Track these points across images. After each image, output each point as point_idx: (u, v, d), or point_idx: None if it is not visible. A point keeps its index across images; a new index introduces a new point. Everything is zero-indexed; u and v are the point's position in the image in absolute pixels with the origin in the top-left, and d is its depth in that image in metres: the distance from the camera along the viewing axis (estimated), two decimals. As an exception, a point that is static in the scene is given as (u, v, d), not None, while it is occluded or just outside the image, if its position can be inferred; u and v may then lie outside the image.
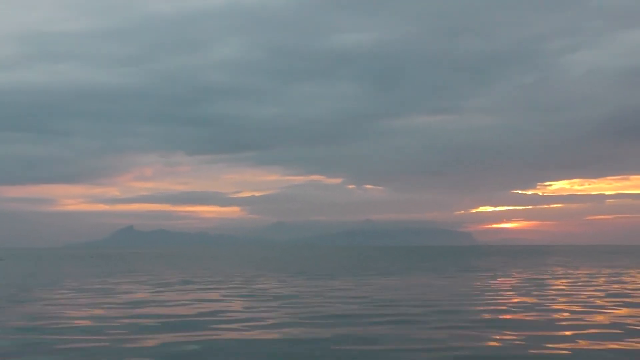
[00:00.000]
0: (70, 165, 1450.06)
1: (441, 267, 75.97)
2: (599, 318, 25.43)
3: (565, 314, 26.67)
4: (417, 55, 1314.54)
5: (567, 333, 21.46)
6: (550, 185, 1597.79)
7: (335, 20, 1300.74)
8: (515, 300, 32.99)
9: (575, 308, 28.92)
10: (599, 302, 31.86)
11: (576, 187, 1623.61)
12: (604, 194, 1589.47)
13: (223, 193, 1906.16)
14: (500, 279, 51.41)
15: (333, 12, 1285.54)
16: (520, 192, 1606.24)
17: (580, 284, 45.48)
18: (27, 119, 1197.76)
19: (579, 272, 63.45)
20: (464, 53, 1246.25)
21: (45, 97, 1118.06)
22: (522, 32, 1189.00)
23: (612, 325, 23.35)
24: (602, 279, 50.79)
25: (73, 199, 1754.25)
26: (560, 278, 52.79)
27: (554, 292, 37.49)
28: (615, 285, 43.53)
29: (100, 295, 37.51)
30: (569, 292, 37.38)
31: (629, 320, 24.64)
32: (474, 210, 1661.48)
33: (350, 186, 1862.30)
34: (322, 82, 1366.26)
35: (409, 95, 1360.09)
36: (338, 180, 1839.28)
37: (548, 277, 54.26)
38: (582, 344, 19.47)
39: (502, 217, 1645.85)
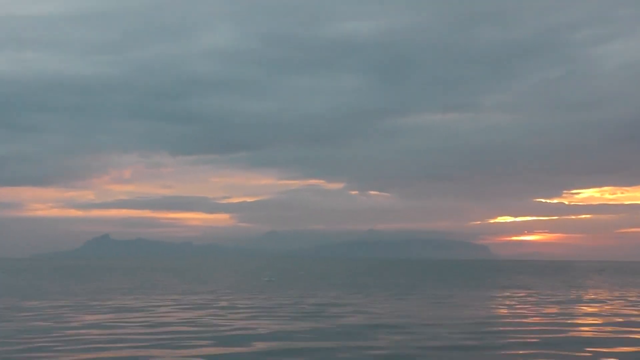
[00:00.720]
0: (39, 165, 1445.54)
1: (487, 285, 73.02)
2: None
3: None
4: (428, 45, 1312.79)
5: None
6: (577, 193, 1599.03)
7: (337, 6, 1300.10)
8: None
9: None
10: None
11: (607, 195, 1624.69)
12: (638, 204, 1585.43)
13: (210, 198, 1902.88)
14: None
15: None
16: (543, 200, 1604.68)
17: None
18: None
19: None
20: (481, 43, 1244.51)
21: (11, 89, 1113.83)
22: (547, 20, 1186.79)
23: None
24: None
25: (43, 204, 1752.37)
26: None
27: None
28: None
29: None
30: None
31: None
32: (491, 221, 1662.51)
33: (353, 192, 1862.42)
34: (322, 74, 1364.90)
35: (419, 90, 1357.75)
36: (339, 185, 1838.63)
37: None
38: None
39: (523, 228, 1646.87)
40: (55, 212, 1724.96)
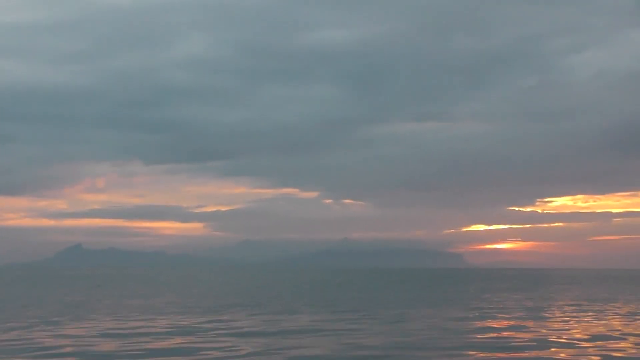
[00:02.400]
0: (10, 174, 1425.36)
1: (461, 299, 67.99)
2: None
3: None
4: (403, 54, 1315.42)
5: None
6: (551, 201, 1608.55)
7: (311, 15, 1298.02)
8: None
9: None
10: None
11: (580, 204, 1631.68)
12: (610, 212, 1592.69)
13: (184, 207, 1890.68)
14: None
15: (309, 5, 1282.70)
16: (517, 209, 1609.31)
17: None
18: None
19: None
20: (456, 53, 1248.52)
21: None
22: (522, 30, 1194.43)
23: None
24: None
25: (14, 213, 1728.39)
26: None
27: None
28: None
29: None
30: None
31: None
32: (465, 229, 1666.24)
33: (327, 201, 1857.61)
34: (297, 83, 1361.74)
35: (393, 99, 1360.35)
36: (314, 194, 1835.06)
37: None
38: None
39: (496, 236, 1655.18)
40: (27, 222, 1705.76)
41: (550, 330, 37.56)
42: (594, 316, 46.55)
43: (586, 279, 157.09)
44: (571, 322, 42.17)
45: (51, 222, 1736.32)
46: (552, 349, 29.77)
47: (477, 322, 42.19)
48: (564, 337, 34.20)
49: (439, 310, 53.57)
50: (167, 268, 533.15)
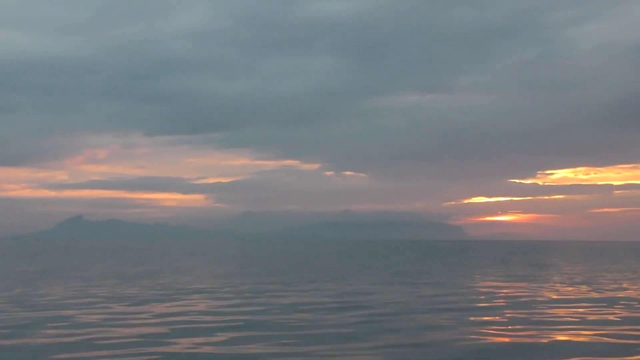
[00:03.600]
0: (11, 145, 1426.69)
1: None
2: None
3: None
4: (405, 26, 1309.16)
5: None
6: (551, 173, 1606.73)
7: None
8: None
9: None
10: None
11: (580, 176, 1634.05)
12: (611, 185, 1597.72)
13: (185, 179, 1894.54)
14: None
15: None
16: (517, 181, 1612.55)
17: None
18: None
19: None
20: (457, 24, 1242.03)
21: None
22: (523, 2, 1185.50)
23: None
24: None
25: (15, 184, 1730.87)
26: None
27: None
28: None
29: None
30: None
31: None
32: (465, 201, 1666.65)
33: (328, 173, 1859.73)
34: (298, 55, 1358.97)
35: (395, 71, 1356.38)
36: (315, 166, 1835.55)
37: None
38: None
39: (497, 209, 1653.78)
40: (28, 193, 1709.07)
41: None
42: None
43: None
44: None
45: (52, 193, 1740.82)
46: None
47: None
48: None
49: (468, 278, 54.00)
50: (170, 240, 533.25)
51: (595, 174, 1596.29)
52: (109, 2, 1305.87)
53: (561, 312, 31.15)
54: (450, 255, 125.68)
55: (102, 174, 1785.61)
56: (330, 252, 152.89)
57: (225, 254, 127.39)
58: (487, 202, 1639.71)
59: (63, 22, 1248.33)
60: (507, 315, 29.84)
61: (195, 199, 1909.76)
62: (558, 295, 39.64)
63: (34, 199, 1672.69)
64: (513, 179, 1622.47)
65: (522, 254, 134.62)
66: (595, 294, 40.95)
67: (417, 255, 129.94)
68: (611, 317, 29.31)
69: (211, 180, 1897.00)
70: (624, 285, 48.20)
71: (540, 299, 37.42)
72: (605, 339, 23.50)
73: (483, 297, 38.13)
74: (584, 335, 24.22)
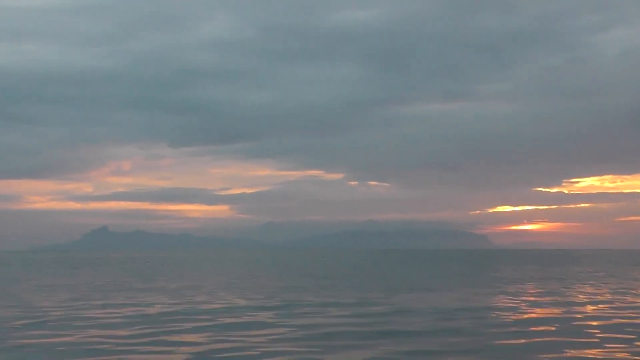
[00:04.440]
0: (36, 158, 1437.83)
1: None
2: None
3: None
4: (429, 33, 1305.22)
5: None
6: (577, 182, 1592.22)
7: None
8: None
9: None
10: None
11: (607, 184, 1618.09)
12: (638, 192, 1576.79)
13: (210, 190, 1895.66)
14: None
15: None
16: (543, 189, 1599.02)
17: None
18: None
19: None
20: (481, 31, 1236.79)
21: (8, 81, 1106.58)
22: (548, 7, 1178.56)
23: None
24: None
25: (40, 196, 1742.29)
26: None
27: None
28: None
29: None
30: None
31: None
32: (491, 210, 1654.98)
33: (352, 182, 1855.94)
34: (322, 64, 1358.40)
35: (419, 79, 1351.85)
36: (339, 176, 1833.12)
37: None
38: None
39: (522, 217, 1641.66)
40: (53, 205, 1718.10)
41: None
42: None
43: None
44: None
45: (77, 205, 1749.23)
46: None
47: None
48: None
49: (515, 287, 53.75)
50: (195, 250, 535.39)
51: (622, 182, 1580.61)
52: (132, 13, 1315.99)
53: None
54: (500, 263, 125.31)
55: (126, 185, 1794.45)
56: (376, 260, 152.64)
57: (270, 264, 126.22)
58: (513, 211, 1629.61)
59: (87, 34, 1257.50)
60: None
61: (219, 210, 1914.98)
62: None
63: (59, 210, 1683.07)
64: (538, 187, 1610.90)
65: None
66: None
67: (473, 263, 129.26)
68: None
69: (235, 191, 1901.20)
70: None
71: None
72: None
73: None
74: None
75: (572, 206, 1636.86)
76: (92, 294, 46.55)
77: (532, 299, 40.71)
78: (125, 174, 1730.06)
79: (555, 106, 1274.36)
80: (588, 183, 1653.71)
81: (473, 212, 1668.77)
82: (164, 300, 40.88)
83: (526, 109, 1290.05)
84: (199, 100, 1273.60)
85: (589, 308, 36.34)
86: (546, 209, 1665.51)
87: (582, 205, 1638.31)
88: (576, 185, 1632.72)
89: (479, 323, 29.27)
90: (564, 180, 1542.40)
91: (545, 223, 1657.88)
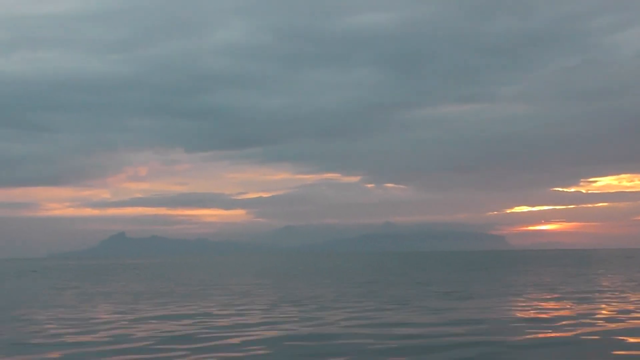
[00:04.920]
0: (54, 164, 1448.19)
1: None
2: None
3: None
4: (444, 36, 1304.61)
5: None
6: (595, 181, 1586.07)
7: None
8: None
9: None
10: None
11: (625, 183, 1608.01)
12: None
13: (226, 194, 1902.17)
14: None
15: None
16: (560, 189, 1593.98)
17: None
18: (5, 113, 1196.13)
19: None
20: (497, 34, 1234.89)
21: (25, 88, 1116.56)
22: (563, 9, 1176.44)
23: None
24: None
25: (58, 203, 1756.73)
26: None
27: None
28: None
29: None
30: None
31: None
32: (508, 211, 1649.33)
33: (369, 185, 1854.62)
34: (337, 68, 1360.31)
35: (435, 82, 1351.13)
36: (355, 179, 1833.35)
37: None
38: None
39: (539, 218, 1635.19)
40: (71, 212, 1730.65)
41: None
42: None
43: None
44: None
45: (95, 212, 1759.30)
46: None
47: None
48: None
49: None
50: (213, 255, 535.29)
51: (639, 180, 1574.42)
52: (148, 20, 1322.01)
53: None
54: (537, 265, 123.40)
55: (143, 191, 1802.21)
56: (404, 263, 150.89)
57: (295, 268, 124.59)
58: (530, 211, 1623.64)
59: (103, 41, 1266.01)
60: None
61: (236, 214, 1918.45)
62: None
63: (77, 217, 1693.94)
64: (556, 187, 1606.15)
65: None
66: None
67: (500, 264, 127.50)
68: None
69: (252, 195, 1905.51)
70: None
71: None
72: None
73: None
74: None
75: (589, 206, 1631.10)
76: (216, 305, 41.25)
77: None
78: (142, 180, 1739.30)
79: (571, 107, 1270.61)
80: (605, 182, 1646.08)
81: (490, 213, 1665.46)
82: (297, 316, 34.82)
83: (542, 110, 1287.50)
84: (214, 105, 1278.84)
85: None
86: (564, 208, 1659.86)
87: (600, 204, 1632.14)
88: (594, 184, 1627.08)
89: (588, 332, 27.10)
90: (582, 180, 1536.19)
91: (563, 223, 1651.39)
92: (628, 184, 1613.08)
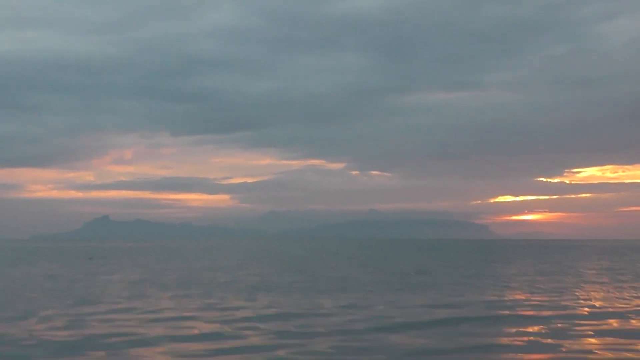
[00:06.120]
0: (39, 146, 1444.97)
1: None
2: None
3: None
4: (434, 23, 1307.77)
5: None
6: (579, 172, 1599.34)
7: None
8: None
9: None
10: None
11: (608, 174, 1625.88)
12: (639, 183, 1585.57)
13: (211, 179, 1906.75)
14: None
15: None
16: (545, 179, 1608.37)
17: None
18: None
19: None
20: (485, 20, 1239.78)
21: (12, 68, 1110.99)
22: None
23: None
24: None
25: (42, 185, 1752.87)
26: None
27: None
28: None
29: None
30: None
31: None
32: (492, 200, 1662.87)
33: (354, 172, 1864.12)
34: (325, 52, 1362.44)
35: (423, 68, 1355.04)
36: (340, 165, 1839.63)
37: None
38: None
39: (523, 208, 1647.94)
40: (55, 194, 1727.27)
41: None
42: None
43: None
44: None
45: (79, 194, 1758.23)
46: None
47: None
48: None
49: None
50: (196, 239, 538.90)
51: (623, 172, 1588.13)
52: (136, 1, 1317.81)
53: None
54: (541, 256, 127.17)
55: (128, 174, 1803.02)
56: (392, 250, 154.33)
57: (322, 254, 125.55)
58: (514, 201, 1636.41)
59: (91, 22, 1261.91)
60: None
61: (221, 199, 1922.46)
62: None
63: (61, 199, 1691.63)
64: (540, 177, 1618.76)
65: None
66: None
67: (484, 254, 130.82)
68: None
69: (237, 180, 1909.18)
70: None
71: None
72: None
73: None
74: None
75: (573, 196, 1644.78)
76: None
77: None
78: (127, 163, 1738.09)
79: (558, 96, 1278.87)
80: (589, 173, 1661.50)
81: (474, 202, 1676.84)
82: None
83: (530, 98, 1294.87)
84: (202, 89, 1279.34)
85: None
86: (547, 199, 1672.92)
87: (584, 195, 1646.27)
88: (578, 175, 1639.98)
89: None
90: (566, 170, 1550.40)
91: (547, 213, 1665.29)
92: (612, 175, 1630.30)
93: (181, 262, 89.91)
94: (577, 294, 41.69)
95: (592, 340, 24.96)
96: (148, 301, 37.42)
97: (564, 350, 23.05)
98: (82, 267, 76.66)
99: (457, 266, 78.96)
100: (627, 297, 39.99)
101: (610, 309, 33.73)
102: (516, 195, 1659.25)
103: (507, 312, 32.70)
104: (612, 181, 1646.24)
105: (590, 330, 26.96)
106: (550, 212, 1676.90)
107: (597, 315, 31.54)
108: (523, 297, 39.49)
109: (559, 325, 28.17)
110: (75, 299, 38.37)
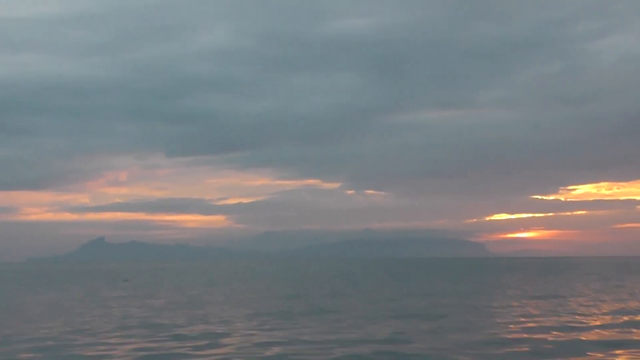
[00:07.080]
0: (33, 169, 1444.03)
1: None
2: None
3: None
4: (425, 42, 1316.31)
5: None
6: (574, 189, 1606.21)
7: (333, 4, 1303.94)
8: None
9: None
10: None
11: (603, 191, 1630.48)
12: (634, 199, 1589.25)
13: (207, 200, 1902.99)
14: None
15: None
16: (540, 197, 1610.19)
17: None
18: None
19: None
20: (478, 39, 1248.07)
21: (6, 91, 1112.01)
22: (545, 15, 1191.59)
23: None
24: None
25: (37, 208, 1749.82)
26: None
27: None
28: None
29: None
30: None
31: None
32: (487, 218, 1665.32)
33: (349, 191, 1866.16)
34: (319, 72, 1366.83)
35: (416, 87, 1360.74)
36: (335, 185, 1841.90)
37: None
38: None
39: (519, 225, 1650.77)
40: (50, 216, 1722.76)
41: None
42: None
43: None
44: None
45: (74, 216, 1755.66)
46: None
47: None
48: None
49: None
50: (193, 261, 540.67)
51: (618, 189, 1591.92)
52: (129, 23, 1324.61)
53: None
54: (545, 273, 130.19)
55: (123, 196, 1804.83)
56: (389, 269, 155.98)
57: (304, 275, 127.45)
58: (509, 218, 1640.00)
59: (85, 45, 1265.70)
60: None
61: (216, 220, 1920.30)
62: None
63: (56, 222, 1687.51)
64: (535, 195, 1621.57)
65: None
66: None
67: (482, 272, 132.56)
68: None
69: (232, 201, 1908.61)
70: None
71: None
72: None
73: None
74: None
75: (568, 213, 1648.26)
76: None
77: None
78: (121, 185, 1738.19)
79: (552, 113, 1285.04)
80: (584, 190, 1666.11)
81: (470, 220, 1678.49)
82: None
83: (523, 116, 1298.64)
84: (196, 110, 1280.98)
85: None
86: (543, 216, 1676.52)
87: (579, 212, 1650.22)
88: (573, 192, 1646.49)
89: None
90: (561, 188, 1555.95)
91: (542, 231, 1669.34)
92: (607, 192, 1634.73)
93: (225, 284, 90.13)
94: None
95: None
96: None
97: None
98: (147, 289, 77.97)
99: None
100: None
101: None
102: (511, 213, 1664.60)
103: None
104: (607, 198, 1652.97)
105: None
106: (545, 229, 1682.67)
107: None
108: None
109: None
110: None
